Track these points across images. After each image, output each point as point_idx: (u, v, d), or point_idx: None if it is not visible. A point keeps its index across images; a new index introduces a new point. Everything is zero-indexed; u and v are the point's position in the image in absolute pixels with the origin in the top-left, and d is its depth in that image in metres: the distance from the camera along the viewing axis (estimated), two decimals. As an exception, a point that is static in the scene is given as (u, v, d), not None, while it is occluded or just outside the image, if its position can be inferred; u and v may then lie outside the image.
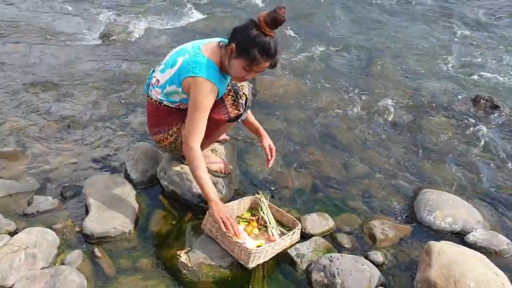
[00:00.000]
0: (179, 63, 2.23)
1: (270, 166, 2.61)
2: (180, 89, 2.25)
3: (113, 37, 4.94)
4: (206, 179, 2.23)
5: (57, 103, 3.60)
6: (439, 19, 6.34)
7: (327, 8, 6.51)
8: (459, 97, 4.17)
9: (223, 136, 2.89)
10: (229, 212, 2.25)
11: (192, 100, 2.18)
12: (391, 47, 5.23)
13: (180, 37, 5.07)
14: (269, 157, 2.57)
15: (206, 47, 2.25)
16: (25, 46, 4.60)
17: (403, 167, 3.18)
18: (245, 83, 2.40)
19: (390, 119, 3.76)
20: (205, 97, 2.17)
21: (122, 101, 3.71)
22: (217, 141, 2.84)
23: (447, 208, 2.66)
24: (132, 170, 2.73)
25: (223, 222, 2.16)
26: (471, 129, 3.69)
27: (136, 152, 2.83)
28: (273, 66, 2.22)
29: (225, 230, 2.16)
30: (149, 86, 2.44)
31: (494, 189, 3.01)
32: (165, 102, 2.37)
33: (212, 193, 2.22)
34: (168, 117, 2.42)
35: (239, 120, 2.46)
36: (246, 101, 2.40)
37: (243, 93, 2.38)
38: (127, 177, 2.73)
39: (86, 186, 2.57)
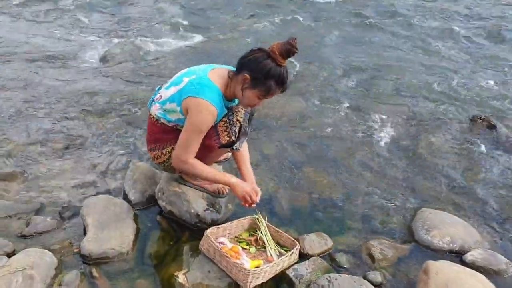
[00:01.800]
0: (184, 83, 2.26)
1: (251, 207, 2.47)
2: (178, 108, 2.27)
3: (113, 59, 5.00)
4: (215, 172, 2.40)
5: (56, 124, 3.63)
6: (435, 41, 6.43)
7: (323, 30, 6.61)
8: (456, 117, 4.21)
9: (225, 156, 2.90)
10: (250, 186, 2.40)
11: (190, 120, 2.21)
12: (387, 67, 5.28)
13: (179, 59, 5.13)
14: (245, 205, 2.43)
15: (213, 72, 2.28)
16: (25, 68, 4.65)
17: (401, 186, 3.19)
18: (241, 109, 2.38)
19: (387, 138, 3.78)
20: (204, 119, 2.20)
21: (121, 121, 3.73)
22: (216, 162, 2.86)
23: (445, 227, 2.66)
24: (131, 191, 2.74)
25: (250, 196, 2.34)
26: (469, 148, 3.71)
27: (134, 173, 2.84)
28: (283, 91, 2.29)
29: (253, 204, 2.37)
30: (152, 101, 2.47)
31: (492, 209, 3.01)
32: (162, 120, 2.39)
33: (229, 178, 2.38)
34: (165, 135, 2.44)
35: (234, 148, 2.37)
36: (240, 128, 2.33)
37: (237, 120, 2.32)
38: (126, 197, 2.73)
39: (85, 207, 2.57)
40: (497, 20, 7.77)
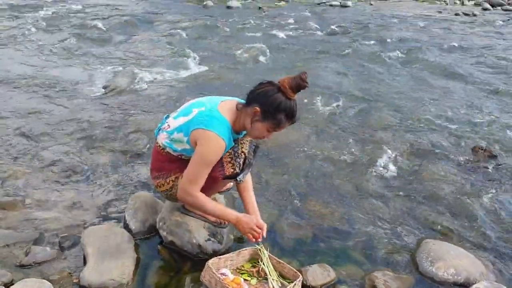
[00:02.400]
0: (194, 114, 2.27)
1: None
2: (185, 139, 2.28)
3: (115, 89, 5.05)
4: (219, 207, 2.42)
5: (58, 152, 3.63)
6: (435, 72, 6.51)
7: (322, 61, 6.70)
8: (458, 146, 4.22)
9: (228, 186, 2.90)
10: (254, 221, 2.36)
11: (199, 152, 2.22)
12: (387, 98, 5.33)
13: (182, 88, 5.19)
14: (252, 240, 2.40)
15: (223, 105, 2.30)
16: (27, 97, 4.70)
17: (404, 216, 3.16)
18: (246, 141, 2.40)
19: (390, 168, 3.77)
20: (213, 153, 2.21)
21: (123, 151, 3.74)
22: (219, 192, 2.85)
23: (449, 258, 2.62)
24: (132, 220, 2.71)
25: (254, 231, 2.33)
26: (471, 178, 3.71)
27: (136, 202, 2.82)
28: (292, 123, 2.31)
29: (259, 239, 2.35)
30: (159, 130, 2.47)
31: (496, 239, 2.98)
32: (167, 149, 2.39)
33: (231, 215, 2.37)
34: (169, 164, 2.44)
35: (238, 180, 2.36)
36: (244, 160, 2.33)
37: (242, 152, 2.33)
38: (126, 226, 2.70)
39: (85, 236, 2.54)
40: (494, 52, 7.90)
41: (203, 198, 2.31)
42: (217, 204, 2.44)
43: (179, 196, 2.37)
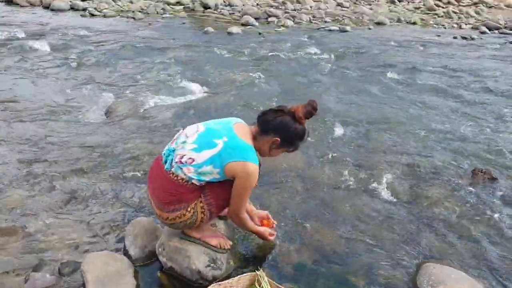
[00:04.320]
0: (220, 146, 2.34)
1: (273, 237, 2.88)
2: (217, 170, 2.35)
3: (117, 114, 5.09)
4: (252, 223, 2.74)
5: (58, 178, 3.64)
6: (433, 95, 6.57)
7: (325, 85, 6.77)
8: (457, 169, 4.23)
9: (224, 212, 2.90)
10: (267, 230, 2.82)
11: (244, 182, 2.37)
12: (389, 121, 5.37)
13: (183, 113, 5.23)
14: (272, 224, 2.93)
15: (239, 131, 2.43)
16: (28, 122, 4.73)
17: (404, 239, 3.15)
18: None
19: (390, 192, 3.78)
20: (254, 180, 2.39)
21: (123, 175, 3.75)
22: (218, 216, 2.85)
23: (450, 282, 2.61)
24: (131, 246, 2.71)
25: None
26: (471, 201, 3.70)
27: (135, 227, 2.83)
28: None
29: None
30: (171, 163, 2.44)
31: (497, 263, 2.97)
32: (193, 180, 2.39)
33: (256, 227, 2.76)
34: (191, 194, 2.43)
35: None
36: None
37: None
38: (126, 253, 2.70)
39: (85, 263, 2.53)
40: (493, 75, 7.98)
41: (246, 217, 2.63)
42: (251, 221, 2.72)
43: (232, 218, 2.61)
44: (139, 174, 3.77)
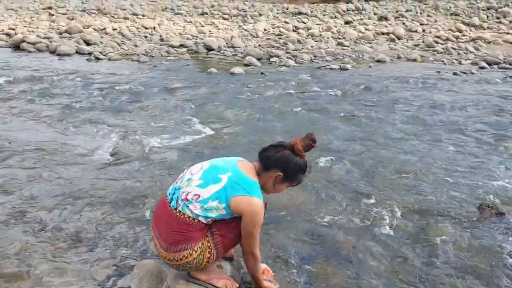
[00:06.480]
0: (225, 180, 2.38)
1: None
2: (223, 205, 2.36)
3: (123, 155, 5.13)
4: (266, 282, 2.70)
5: (63, 221, 3.64)
6: (437, 130, 6.59)
7: (327, 122, 6.82)
8: (464, 204, 4.20)
9: (230, 253, 2.89)
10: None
11: (251, 218, 2.38)
12: (392, 157, 5.37)
13: (188, 154, 5.27)
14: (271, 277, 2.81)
15: (243, 167, 2.48)
16: (32, 164, 4.77)
17: (410, 278, 3.10)
18: None
19: (395, 228, 3.74)
20: (262, 215, 2.41)
21: (128, 217, 3.74)
22: (224, 257, 2.84)
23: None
24: (137, 289, 2.69)
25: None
26: (479, 237, 3.66)
27: (140, 270, 2.80)
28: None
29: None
30: (177, 201, 2.45)
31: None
32: (200, 218, 2.39)
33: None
34: (199, 232, 2.43)
35: None
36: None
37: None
38: (132, 296, 2.67)
39: (89, 308, 2.51)
40: (495, 109, 8.02)
41: (260, 258, 2.58)
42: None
43: (248, 257, 2.54)
44: (144, 216, 3.77)
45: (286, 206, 4.02)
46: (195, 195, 2.39)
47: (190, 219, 2.40)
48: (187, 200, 2.40)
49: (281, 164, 2.48)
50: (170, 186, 2.59)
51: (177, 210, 2.42)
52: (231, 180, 2.37)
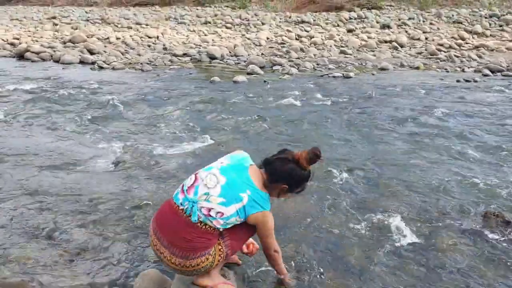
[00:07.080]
0: (246, 200, 2.56)
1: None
2: (242, 219, 2.58)
3: (126, 164, 5.13)
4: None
5: (66, 230, 3.63)
6: (442, 139, 6.57)
7: (330, 130, 6.81)
8: (469, 213, 4.16)
9: (236, 259, 2.91)
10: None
11: (267, 227, 2.65)
12: (397, 166, 5.35)
13: (191, 162, 5.26)
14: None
15: (255, 178, 2.65)
16: (37, 173, 4.77)
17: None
18: None
19: (400, 238, 3.71)
20: (272, 221, 2.67)
21: (131, 227, 3.73)
22: (229, 263, 2.85)
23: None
24: (140, 299, 2.67)
25: None
26: (485, 246, 3.63)
27: (143, 280, 2.79)
28: None
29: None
30: (197, 215, 2.53)
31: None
32: (221, 229, 2.59)
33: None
34: (215, 239, 2.60)
35: None
36: None
37: None
38: (134, 306, 2.65)
39: (92, 318, 2.50)
40: (498, 117, 8.00)
41: (280, 252, 2.84)
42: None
43: (268, 257, 2.83)
44: (145, 225, 3.75)
45: (289, 215, 4.00)
46: (218, 212, 2.53)
47: (211, 229, 2.56)
48: (210, 215, 2.53)
49: (286, 177, 2.67)
50: (179, 194, 2.62)
51: (199, 221, 2.54)
52: (250, 199, 2.55)
